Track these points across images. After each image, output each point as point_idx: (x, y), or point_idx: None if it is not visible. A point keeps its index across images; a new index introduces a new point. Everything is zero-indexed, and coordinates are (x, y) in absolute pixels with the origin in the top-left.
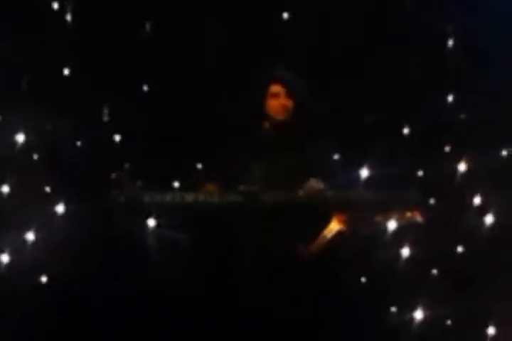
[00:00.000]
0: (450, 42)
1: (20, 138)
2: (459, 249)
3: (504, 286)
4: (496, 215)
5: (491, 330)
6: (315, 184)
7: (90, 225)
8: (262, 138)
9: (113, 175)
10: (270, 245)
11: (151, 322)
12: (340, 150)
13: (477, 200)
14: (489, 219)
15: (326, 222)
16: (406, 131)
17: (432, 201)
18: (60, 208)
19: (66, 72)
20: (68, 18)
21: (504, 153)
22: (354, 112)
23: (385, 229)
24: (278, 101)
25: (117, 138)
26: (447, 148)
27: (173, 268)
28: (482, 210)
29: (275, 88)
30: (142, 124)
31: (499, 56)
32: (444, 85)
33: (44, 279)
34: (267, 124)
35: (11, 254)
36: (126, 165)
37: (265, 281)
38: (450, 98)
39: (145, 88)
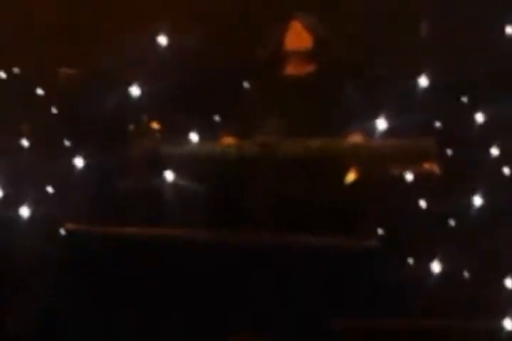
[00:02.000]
0: None
1: (39, 91)
2: (477, 200)
3: None
4: None
5: (509, 282)
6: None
7: (109, 177)
8: (279, 84)
9: (131, 127)
10: (286, 196)
11: (172, 263)
12: (358, 99)
13: (495, 151)
14: (506, 170)
15: (343, 173)
16: (424, 81)
17: (449, 152)
18: (79, 161)
19: None
20: None
21: None
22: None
23: (402, 179)
24: (296, 35)
25: (135, 91)
26: (465, 99)
27: (188, 218)
28: (499, 162)
29: (294, 25)
30: (158, 76)
31: None
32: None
33: (63, 232)
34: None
35: (30, 207)
36: (144, 117)
37: (279, 230)
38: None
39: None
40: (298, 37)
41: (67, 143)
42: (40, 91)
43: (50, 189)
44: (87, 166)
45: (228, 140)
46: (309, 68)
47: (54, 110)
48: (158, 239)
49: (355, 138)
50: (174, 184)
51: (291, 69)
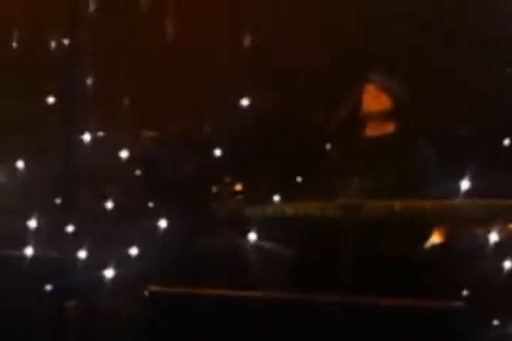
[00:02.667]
0: None
1: (123, 154)
2: None
3: None
4: None
5: None
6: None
7: (193, 239)
8: (360, 145)
9: (214, 189)
10: (370, 258)
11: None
12: (438, 159)
13: None
14: None
15: (427, 234)
16: (507, 141)
17: None
18: (162, 223)
19: None
20: None
21: None
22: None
23: (487, 241)
24: (373, 96)
25: (218, 152)
26: None
27: (273, 280)
28: None
29: (369, 89)
30: (242, 138)
31: None
32: None
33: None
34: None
35: (115, 268)
36: (227, 179)
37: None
38: None
39: (244, 102)
40: (374, 99)
41: (150, 204)
42: (124, 154)
43: (134, 250)
44: (170, 227)
45: (311, 202)
46: (388, 128)
47: (137, 172)
48: (238, 300)
49: (439, 200)
50: (259, 246)
51: (370, 130)
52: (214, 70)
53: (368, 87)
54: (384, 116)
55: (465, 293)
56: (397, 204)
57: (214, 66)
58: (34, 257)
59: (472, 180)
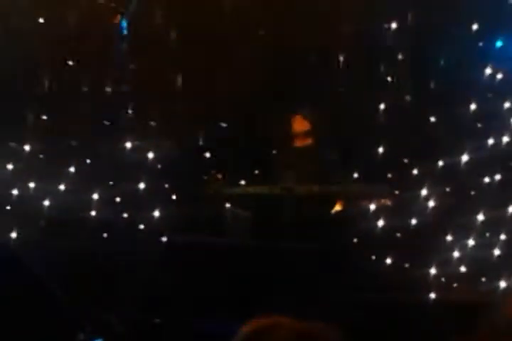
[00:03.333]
0: None
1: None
2: (413, 221)
3: None
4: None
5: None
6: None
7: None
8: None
9: (205, 177)
10: (301, 217)
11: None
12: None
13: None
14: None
15: (333, 205)
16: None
17: (396, 193)
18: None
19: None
20: None
21: None
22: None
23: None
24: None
25: (207, 154)
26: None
27: (240, 231)
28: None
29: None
30: (223, 143)
31: None
32: None
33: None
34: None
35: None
36: (213, 172)
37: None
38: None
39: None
40: (300, 123)
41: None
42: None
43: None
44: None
45: (262, 185)
46: (309, 140)
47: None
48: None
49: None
50: (232, 211)
51: (298, 142)
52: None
53: (296, 116)
54: (305, 134)
55: (355, 240)
56: (315, 188)
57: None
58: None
59: (357, 172)
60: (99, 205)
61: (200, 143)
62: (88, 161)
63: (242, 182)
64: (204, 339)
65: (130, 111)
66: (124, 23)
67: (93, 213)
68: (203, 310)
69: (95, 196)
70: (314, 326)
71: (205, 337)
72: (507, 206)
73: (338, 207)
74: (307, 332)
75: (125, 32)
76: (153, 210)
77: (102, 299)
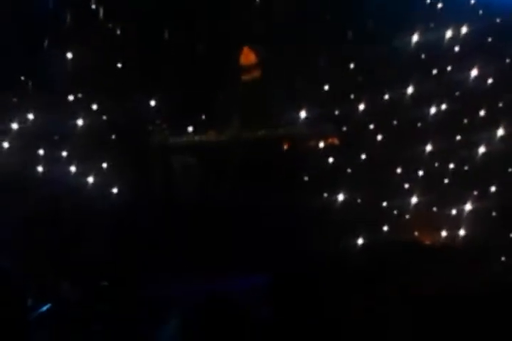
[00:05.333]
0: None
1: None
2: (362, 156)
3: None
4: None
5: None
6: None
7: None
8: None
9: (150, 128)
10: (249, 162)
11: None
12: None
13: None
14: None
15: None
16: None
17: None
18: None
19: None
20: None
21: None
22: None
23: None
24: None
25: (152, 103)
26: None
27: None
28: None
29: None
30: (167, 95)
31: None
32: None
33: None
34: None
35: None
36: (158, 121)
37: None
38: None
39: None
40: (247, 56)
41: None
42: None
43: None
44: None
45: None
46: (255, 74)
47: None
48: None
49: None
50: (180, 159)
51: (245, 77)
52: None
53: (244, 49)
54: (252, 68)
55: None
56: (261, 132)
57: None
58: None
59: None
60: (45, 161)
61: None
62: (31, 116)
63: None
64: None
65: None
66: None
67: (39, 169)
68: (150, 272)
69: (41, 152)
70: None
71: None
72: (454, 136)
73: (286, 147)
74: None
75: None
76: (100, 164)
77: (51, 263)
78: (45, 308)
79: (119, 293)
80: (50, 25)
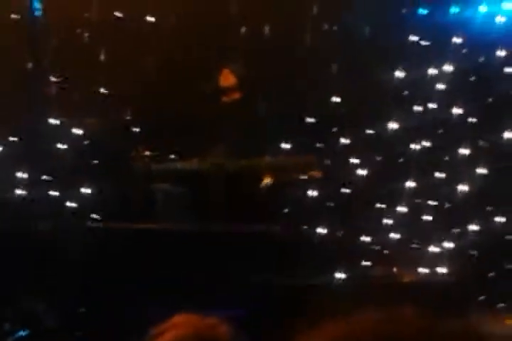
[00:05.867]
0: None
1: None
2: (344, 190)
3: None
4: None
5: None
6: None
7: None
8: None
9: (132, 153)
10: (232, 191)
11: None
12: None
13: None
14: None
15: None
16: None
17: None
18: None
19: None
20: None
21: None
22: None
23: (299, 179)
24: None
25: (136, 129)
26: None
27: (171, 205)
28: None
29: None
30: (149, 121)
31: None
32: None
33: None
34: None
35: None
36: (140, 147)
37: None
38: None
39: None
40: (226, 78)
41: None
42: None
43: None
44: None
45: (193, 160)
46: (236, 96)
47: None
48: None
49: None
50: (159, 188)
51: (225, 99)
52: None
53: (224, 71)
54: (232, 90)
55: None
56: (244, 162)
57: None
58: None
59: (286, 144)
60: (25, 184)
61: (127, 117)
62: (12, 139)
63: (171, 157)
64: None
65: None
66: (37, 5)
67: (18, 193)
68: (128, 296)
69: (20, 174)
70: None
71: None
72: (435, 172)
73: (267, 180)
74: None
75: (37, 13)
76: (79, 190)
77: (30, 288)
78: (22, 333)
79: (97, 320)
80: None
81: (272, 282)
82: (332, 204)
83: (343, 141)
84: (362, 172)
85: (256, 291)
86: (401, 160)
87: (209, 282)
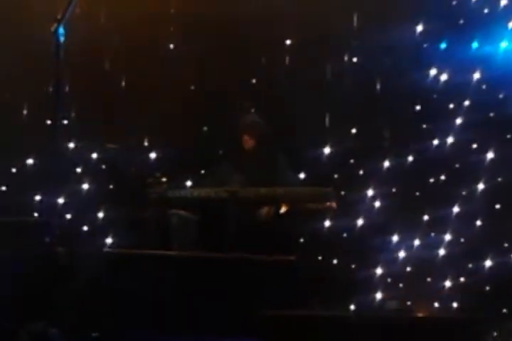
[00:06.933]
0: None
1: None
2: (359, 222)
3: None
4: None
5: None
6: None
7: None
8: (240, 160)
9: (149, 180)
10: (248, 222)
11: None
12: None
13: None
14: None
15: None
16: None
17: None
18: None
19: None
20: None
21: None
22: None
23: (315, 211)
24: (247, 141)
25: (152, 155)
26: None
27: (187, 236)
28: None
29: (245, 137)
30: (167, 148)
31: None
32: None
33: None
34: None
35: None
36: (157, 174)
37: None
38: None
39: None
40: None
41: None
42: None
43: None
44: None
45: (208, 187)
46: (251, 144)
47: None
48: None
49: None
50: (177, 214)
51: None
52: None
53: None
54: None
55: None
56: (261, 190)
57: None
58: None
59: (304, 174)
60: (41, 207)
61: (145, 143)
62: (31, 161)
63: (188, 184)
64: None
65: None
66: (61, 30)
67: (34, 215)
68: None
69: (37, 197)
70: None
71: None
72: (451, 206)
73: (283, 209)
74: None
75: (62, 39)
76: (96, 214)
77: (39, 310)
78: None
79: None
80: None
81: (287, 311)
82: (346, 236)
83: (360, 172)
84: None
85: (267, 321)
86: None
87: (220, 311)
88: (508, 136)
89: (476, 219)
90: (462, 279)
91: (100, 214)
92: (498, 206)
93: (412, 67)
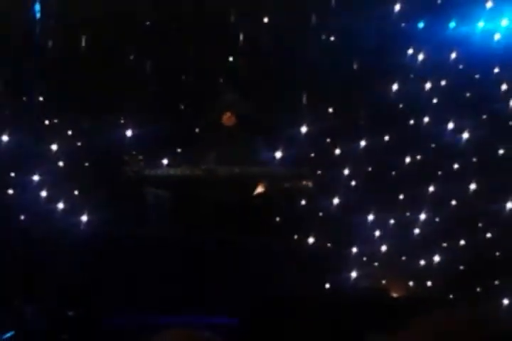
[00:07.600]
0: None
1: None
2: (335, 201)
3: None
4: None
5: None
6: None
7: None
8: (218, 136)
9: (125, 158)
10: (222, 199)
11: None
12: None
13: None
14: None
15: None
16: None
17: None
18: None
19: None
20: None
21: None
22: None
23: (291, 190)
24: (229, 118)
25: (129, 133)
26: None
27: (160, 212)
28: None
29: (227, 114)
30: (145, 126)
31: None
32: None
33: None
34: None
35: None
36: (134, 152)
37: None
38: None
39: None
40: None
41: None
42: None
43: None
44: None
45: (185, 166)
46: (232, 121)
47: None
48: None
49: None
50: (152, 192)
51: (224, 122)
52: None
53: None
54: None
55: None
56: (236, 169)
57: None
58: None
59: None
60: (16, 186)
61: (121, 121)
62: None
63: (165, 162)
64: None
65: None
66: (37, 7)
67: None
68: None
69: (12, 175)
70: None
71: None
72: (427, 186)
73: (259, 189)
74: None
75: (38, 15)
76: (72, 192)
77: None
78: (7, 335)
79: (85, 324)
80: None
81: (264, 291)
82: (322, 215)
83: (337, 151)
84: (353, 183)
85: (248, 300)
86: (393, 172)
87: (201, 290)
88: (484, 117)
89: (451, 199)
90: (437, 258)
91: (76, 192)
92: (472, 186)
93: (390, 47)
